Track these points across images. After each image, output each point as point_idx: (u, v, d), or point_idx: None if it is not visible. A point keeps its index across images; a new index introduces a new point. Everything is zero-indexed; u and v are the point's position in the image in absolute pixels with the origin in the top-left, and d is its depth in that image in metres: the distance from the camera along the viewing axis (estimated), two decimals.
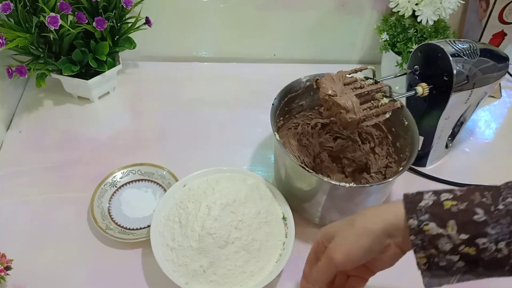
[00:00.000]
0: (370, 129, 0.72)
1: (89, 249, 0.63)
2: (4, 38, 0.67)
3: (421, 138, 0.72)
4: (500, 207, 0.40)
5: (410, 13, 0.80)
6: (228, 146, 0.78)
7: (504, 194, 0.40)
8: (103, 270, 0.61)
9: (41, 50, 0.75)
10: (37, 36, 0.72)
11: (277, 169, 0.68)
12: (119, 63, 0.83)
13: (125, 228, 0.65)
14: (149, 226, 0.62)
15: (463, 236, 0.39)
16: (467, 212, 0.40)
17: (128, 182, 0.70)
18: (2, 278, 0.56)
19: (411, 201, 0.42)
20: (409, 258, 0.68)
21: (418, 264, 0.42)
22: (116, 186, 0.69)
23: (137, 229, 0.65)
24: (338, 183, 0.57)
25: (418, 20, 0.80)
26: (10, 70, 0.72)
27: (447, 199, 0.41)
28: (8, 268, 0.57)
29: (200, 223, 0.57)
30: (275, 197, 0.64)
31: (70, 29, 0.72)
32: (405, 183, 0.75)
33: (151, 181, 0.70)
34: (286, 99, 0.68)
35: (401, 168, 0.62)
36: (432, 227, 0.40)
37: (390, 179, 0.58)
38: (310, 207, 0.65)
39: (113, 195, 0.68)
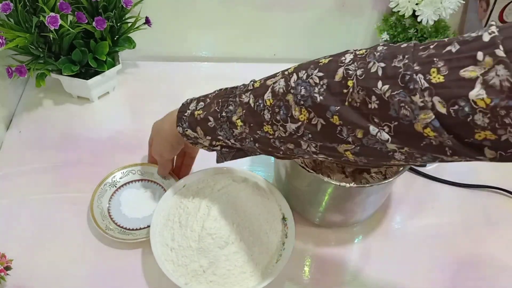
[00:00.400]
0: None
1: (89, 249, 0.63)
2: (4, 38, 0.67)
3: None
4: (223, 114, 0.49)
5: (411, 13, 0.80)
6: None
7: (229, 101, 0.49)
8: (102, 270, 0.61)
9: (41, 50, 0.75)
10: (37, 36, 0.72)
11: (277, 169, 0.68)
12: (119, 63, 0.83)
13: (125, 228, 0.65)
14: (148, 226, 0.62)
15: (208, 137, 0.52)
16: (204, 121, 0.51)
17: (128, 182, 0.70)
18: (2, 278, 0.56)
19: (182, 111, 0.54)
20: (408, 258, 0.68)
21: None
22: (116, 186, 0.69)
23: (136, 229, 0.65)
24: (338, 183, 0.57)
25: (419, 20, 0.80)
26: (10, 70, 0.72)
27: (200, 109, 0.52)
28: (8, 268, 0.57)
29: (200, 223, 0.57)
30: (275, 197, 0.64)
31: (70, 29, 0.72)
32: (405, 183, 0.75)
33: (151, 181, 0.70)
34: None
35: (401, 168, 0.62)
36: (190, 132, 0.53)
37: (390, 179, 0.58)
38: (310, 207, 0.65)
39: (112, 195, 0.68)
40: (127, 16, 0.80)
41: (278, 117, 0.44)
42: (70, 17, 0.74)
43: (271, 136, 0.46)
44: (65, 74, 0.76)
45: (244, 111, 0.47)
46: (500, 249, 0.67)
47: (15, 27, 0.70)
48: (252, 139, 0.48)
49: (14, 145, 0.76)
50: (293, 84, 0.43)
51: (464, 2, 0.81)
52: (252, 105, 0.46)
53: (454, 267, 0.65)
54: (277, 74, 0.46)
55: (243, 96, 0.47)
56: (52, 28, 0.69)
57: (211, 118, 0.50)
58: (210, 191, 0.62)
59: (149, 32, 0.82)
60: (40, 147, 0.76)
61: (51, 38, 0.72)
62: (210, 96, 0.52)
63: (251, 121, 0.47)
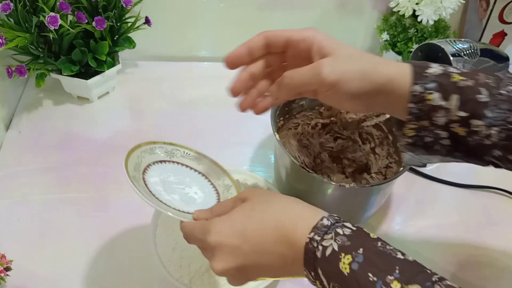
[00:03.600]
0: (371, 129, 0.72)
1: (89, 249, 0.63)
2: (4, 38, 0.67)
3: None
4: (502, 91, 0.39)
5: (411, 12, 0.80)
6: (228, 146, 0.78)
7: (506, 81, 0.40)
8: (103, 270, 0.61)
9: (40, 50, 0.75)
10: (37, 36, 0.72)
11: (277, 170, 0.68)
12: (119, 63, 0.83)
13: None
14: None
15: (461, 114, 0.39)
16: (472, 90, 0.39)
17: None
18: (2, 279, 0.56)
19: (420, 66, 0.40)
20: None
21: (402, 137, 0.41)
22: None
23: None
24: (338, 184, 0.57)
25: (419, 19, 0.80)
26: (10, 70, 0.72)
27: (454, 72, 0.40)
28: (8, 269, 0.56)
29: None
30: None
31: (69, 28, 0.71)
32: (405, 183, 0.75)
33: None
34: None
35: (401, 169, 0.62)
36: (435, 98, 0.39)
37: (390, 180, 0.58)
38: None
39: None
40: (127, 16, 0.80)
41: None
42: (70, 17, 0.74)
43: None
44: (65, 74, 0.76)
45: None
46: (500, 250, 0.67)
47: (15, 27, 0.70)
48: None
49: (14, 145, 0.76)
50: None
51: (464, 2, 0.81)
52: None
53: (454, 267, 0.65)
54: None
55: None
56: (52, 28, 0.69)
57: (483, 90, 0.39)
58: None
59: (149, 32, 0.82)
60: (40, 147, 0.76)
61: (51, 38, 0.72)
62: (460, 67, 0.41)
63: None
